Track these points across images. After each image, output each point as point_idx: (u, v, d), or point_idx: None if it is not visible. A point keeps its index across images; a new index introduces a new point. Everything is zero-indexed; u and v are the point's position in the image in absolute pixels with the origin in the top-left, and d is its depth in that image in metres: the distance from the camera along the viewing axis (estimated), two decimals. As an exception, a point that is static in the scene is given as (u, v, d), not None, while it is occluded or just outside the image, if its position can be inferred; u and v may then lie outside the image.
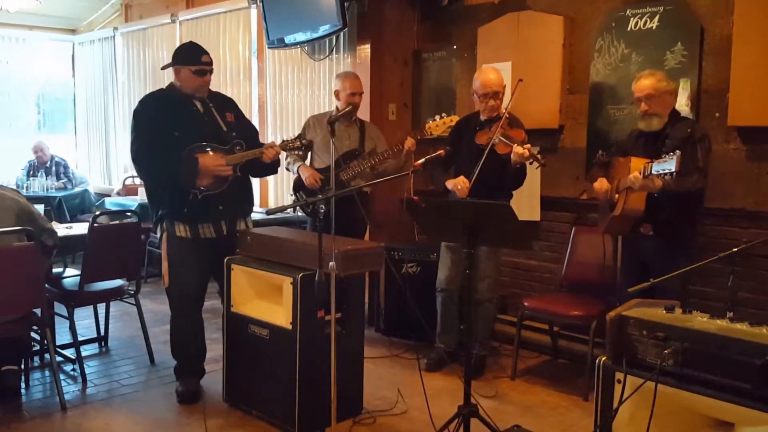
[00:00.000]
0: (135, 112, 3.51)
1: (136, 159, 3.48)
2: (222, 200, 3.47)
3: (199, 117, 3.50)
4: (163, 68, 3.62)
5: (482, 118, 3.95)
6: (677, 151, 2.87)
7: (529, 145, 3.59)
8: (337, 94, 4.37)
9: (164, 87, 3.64)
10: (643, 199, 3.23)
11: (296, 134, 3.63)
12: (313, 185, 4.22)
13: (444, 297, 4.12)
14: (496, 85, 3.86)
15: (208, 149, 3.42)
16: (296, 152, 3.67)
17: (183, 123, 3.43)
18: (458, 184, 3.78)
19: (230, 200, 3.50)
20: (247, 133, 3.66)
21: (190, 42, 3.73)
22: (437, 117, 4.09)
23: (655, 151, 3.24)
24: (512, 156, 3.58)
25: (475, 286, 3.95)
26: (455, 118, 4.09)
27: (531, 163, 3.59)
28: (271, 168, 3.68)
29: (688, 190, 3.18)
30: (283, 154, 3.83)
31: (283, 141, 3.58)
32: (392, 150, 4.20)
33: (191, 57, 3.48)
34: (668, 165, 2.87)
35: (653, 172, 2.96)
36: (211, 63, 3.53)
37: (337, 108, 4.39)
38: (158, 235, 3.60)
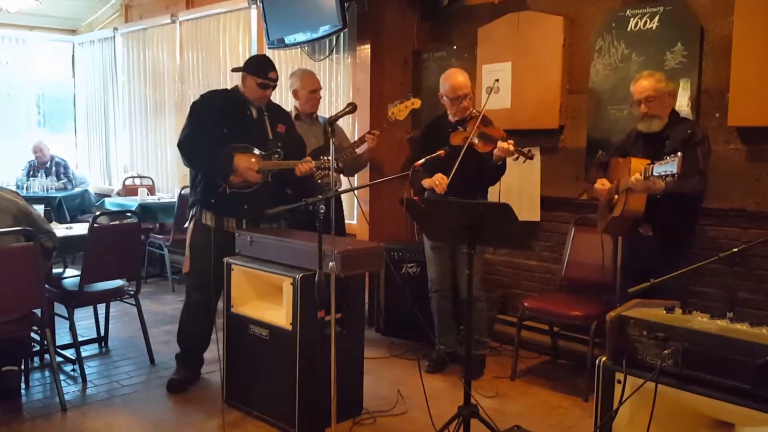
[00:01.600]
0: (193, 103, 3.72)
1: (180, 144, 3.65)
2: (248, 200, 3.61)
3: (251, 121, 3.68)
4: (234, 70, 3.79)
5: (452, 119, 3.96)
6: (678, 153, 2.86)
7: (512, 141, 3.59)
8: (295, 93, 4.32)
9: (229, 88, 3.82)
10: (643, 201, 3.22)
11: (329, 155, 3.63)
12: None
13: (438, 297, 4.12)
14: (465, 88, 3.89)
15: (248, 151, 3.58)
16: (326, 171, 3.72)
17: (234, 123, 3.63)
18: (436, 180, 3.77)
19: (256, 202, 3.58)
20: (294, 147, 3.78)
21: (264, 55, 3.95)
22: (397, 102, 4.08)
23: (654, 152, 3.23)
24: (496, 151, 3.58)
25: (461, 285, 3.96)
26: (417, 101, 4.09)
27: (517, 159, 3.59)
28: (305, 182, 3.78)
29: (689, 192, 3.17)
30: None
31: (321, 158, 3.68)
32: (359, 142, 4.23)
33: (260, 69, 3.62)
34: (669, 167, 2.86)
35: (654, 173, 2.95)
36: (276, 80, 3.68)
37: (296, 107, 4.36)
38: (188, 220, 3.77)
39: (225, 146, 3.55)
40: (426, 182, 3.84)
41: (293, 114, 4.36)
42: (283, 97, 5.50)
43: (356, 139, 4.37)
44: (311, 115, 4.34)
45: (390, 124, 4.24)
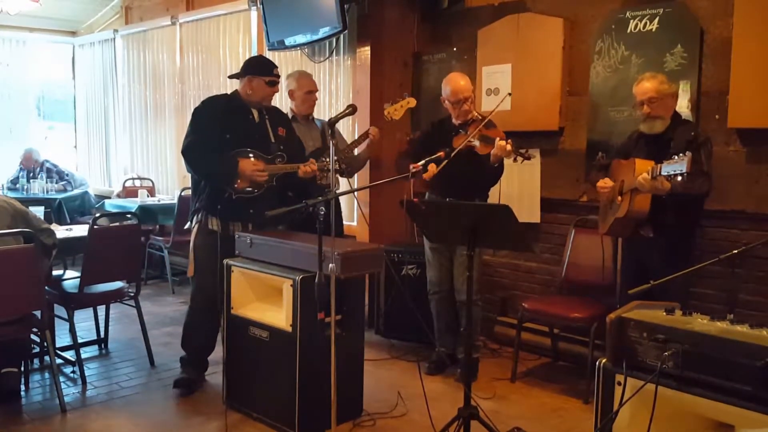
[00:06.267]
0: (195, 109, 3.73)
1: (184, 152, 3.66)
2: (253, 204, 3.62)
3: (253, 125, 3.71)
4: (231, 77, 3.84)
5: (456, 122, 3.96)
6: (687, 152, 2.83)
7: (510, 140, 3.59)
8: (291, 93, 4.31)
9: (228, 93, 3.85)
10: (649, 201, 3.20)
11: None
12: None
13: (437, 299, 4.12)
14: (467, 91, 3.90)
15: (251, 155, 3.61)
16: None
17: (236, 127, 3.65)
18: (427, 167, 3.69)
19: (261, 206, 3.55)
20: (294, 149, 3.81)
21: (261, 55, 3.94)
22: (392, 102, 4.10)
23: (657, 154, 3.22)
24: (494, 150, 3.58)
25: (458, 287, 3.95)
26: (412, 101, 4.12)
27: (515, 160, 3.58)
28: (309, 185, 3.81)
29: (694, 193, 3.16)
30: None
31: (323, 160, 3.72)
32: (358, 142, 4.25)
33: (266, 68, 3.69)
34: (679, 166, 2.83)
35: (663, 173, 2.92)
36: (279, 76, 3.75)
37: (292, 109, 4.34)
38: (191, 224, 3.78)
39: (227, 152, 3.57)
40: (413, 165, 3.79)
41: (290, 116, 4.36)
42: (284, 99, 5.49)
43: (354, 139, 4.38)
44: (307, 117, 4.34)
45: (387, 124, 4.23)
